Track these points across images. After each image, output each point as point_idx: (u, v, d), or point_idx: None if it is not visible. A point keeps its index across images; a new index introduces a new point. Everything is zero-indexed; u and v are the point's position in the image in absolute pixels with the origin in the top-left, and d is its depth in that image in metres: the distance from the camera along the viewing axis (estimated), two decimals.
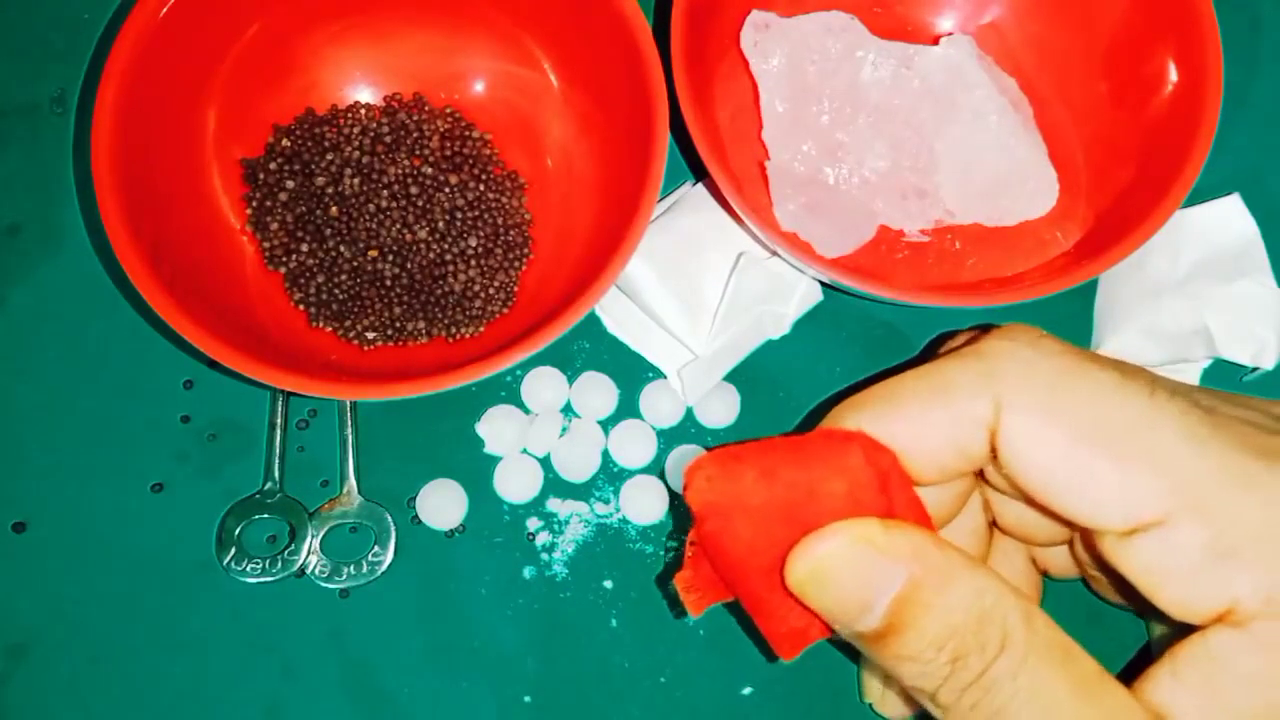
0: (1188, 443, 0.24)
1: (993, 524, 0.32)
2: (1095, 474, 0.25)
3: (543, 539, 0.38)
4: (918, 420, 0.26)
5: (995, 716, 0.24)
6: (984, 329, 0.29)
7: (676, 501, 0.38)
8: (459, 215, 0.39)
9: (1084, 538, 0.30)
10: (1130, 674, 0.34)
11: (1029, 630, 0.24)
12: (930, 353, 0.34)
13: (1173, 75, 0.37)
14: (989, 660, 0.23)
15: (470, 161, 0.39)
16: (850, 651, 0.36)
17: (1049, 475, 0.25)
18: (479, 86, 0.41)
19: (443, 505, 0.37)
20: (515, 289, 0.39)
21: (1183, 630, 0.25)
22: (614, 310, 0.40)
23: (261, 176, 0.39)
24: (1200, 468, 0.24)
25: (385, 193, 0.38)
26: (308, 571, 0.37)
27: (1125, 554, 0.25)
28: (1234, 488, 0.24)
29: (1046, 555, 0.33)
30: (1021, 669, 0.23)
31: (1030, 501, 0.27)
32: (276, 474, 0.38)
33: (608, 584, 0.37)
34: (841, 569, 0.24)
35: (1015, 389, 0.25)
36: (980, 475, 0.30)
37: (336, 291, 0.38)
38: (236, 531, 0.37)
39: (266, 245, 0.39)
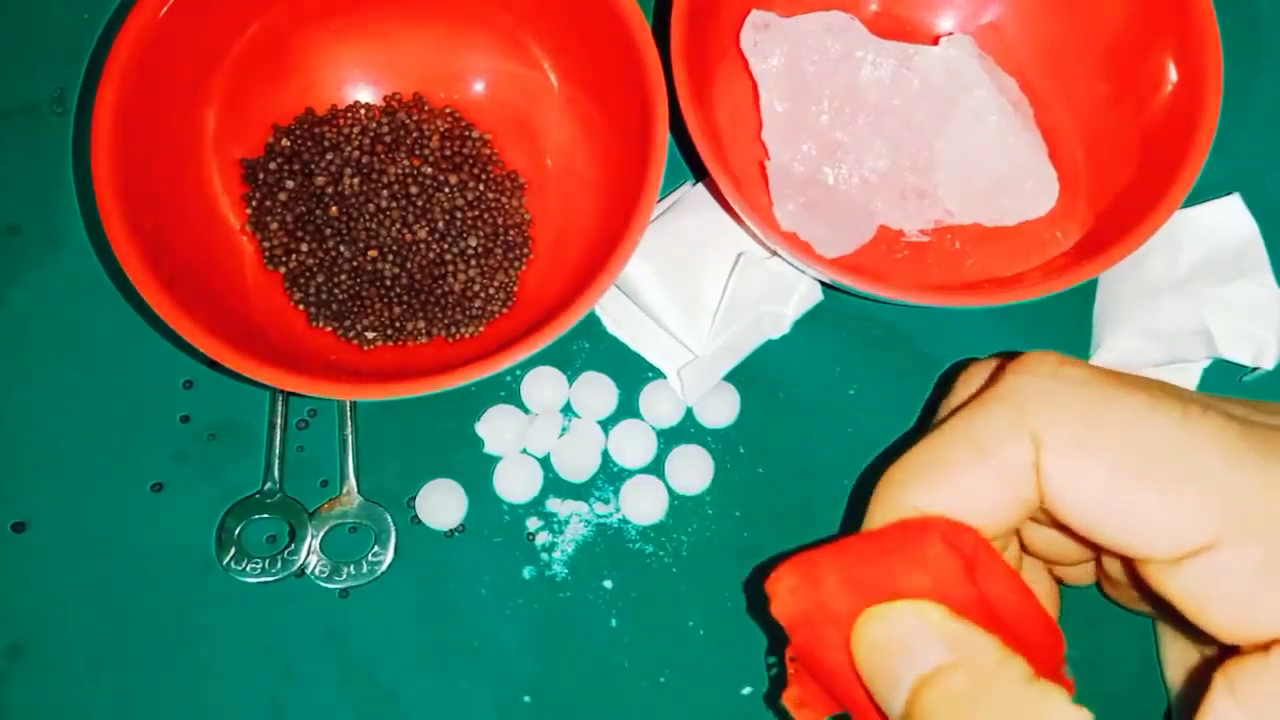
0: (1226, 462, 0.24)
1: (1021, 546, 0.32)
2: (1138, 505, 0.24)
3: (542, 539, 0.38)
4: (967, 486, 0.26)
5: None
6: (1001, 358, 0.29)
7: (676, 502, 0.38)
8: (459, 215, 0.39)
9: (1127, 564, 0.29)
10: (1138, 680, 0.33)
11: None
12: (947, 382, 0.33)
13: (1172, 75, 0.37)
14: None
15: (470, 161, 0.39)
16: None
17: (1092, 510, 0.25)
18: (479, 86, 0.41)
19: (442, 505, 0.37)
20: (515, 289, 0.39)
21: (1224, 651, 0.24)
22: (614, 310, 0.40)
23: (261, 176, 0.39)
24: (1242, 486, 0.23)
25: (385, 192, 0.38)
26: (308, 571, 0.37)
27: (1174, 581, 0.24)
28: (1279, 503, 0.23)
29: (1064, 568, 0.33)
30: None
31: (1073, 535, 0.26)
32: (276, 474, 0.38)
33: (607, 584, 0.37)
34: (885, 636, 0.24)
35: (1045, 426, 0.25)
36: None
37: (336, 291, 0.38)
38: (236, 531, 0.37)
39: (266, 245, 0.39)
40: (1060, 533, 0.29)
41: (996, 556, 0.26)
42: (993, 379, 0.27)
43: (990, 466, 0.25)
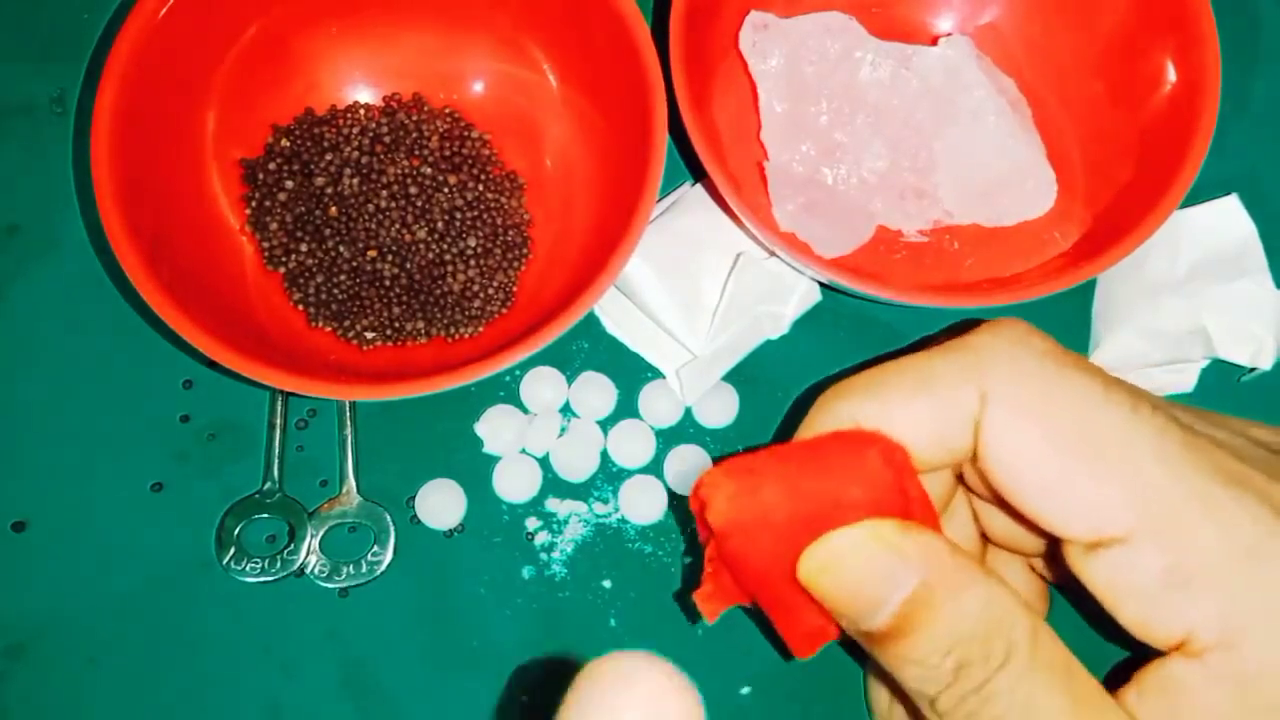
0: (1160, 463, 0.24)
1: (983, 535, 0.32)
2: (1067, 481, 0.25)
3: (542, 539, 0.38)
4: (902, 411, 0.26)
5: None
6: (972, 324, 0.29)
7: (676, 501, 0.38)
8: (458, 215, 0.39)
9: (1051, 546, 0.30)
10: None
11: (1033, 644, 0.24)
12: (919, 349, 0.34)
13: (1171, 75, 0.37)
14: (992, 671, 0.23)
15: (469, 162, 0.39)
16: (856, 654, 0.36)
17: (1022, 476, 0.25)
18: (478, 87, 0.41)
19: (442, 505, 0.37)
20: (514, 289, 0.39)
21: (1146, 650, 0.25)
22: (613, 310, 0.40)
23: (261, 176, 0.39)
24: (1168, 490, 0.24)
25: (384, 193, 0.38)
26: (307, 571, 0.37)
27: (1089, 567, 0.25)
28: (1198, 513, 0.24)
29: (1044, 566, 0.33)
30: (1021, 683, 0.23)
31: (1000, 502, 0.27)
32: (276, 474, 0.38)
33: (606, 584, 0.37)
34: (855, 564, 0.24)
35: (999, 383, 0.26)
36: (963, 482, 0.30)
37: (336, 291, 0.38)
38: (236, 531, 0.37)
39: (266, 245, 0.39)
40: (998, 506, 0.29)
41: (917, 478, 0.26)
42: (959, 333, 0.28)
43: (931, 403, 0.26)
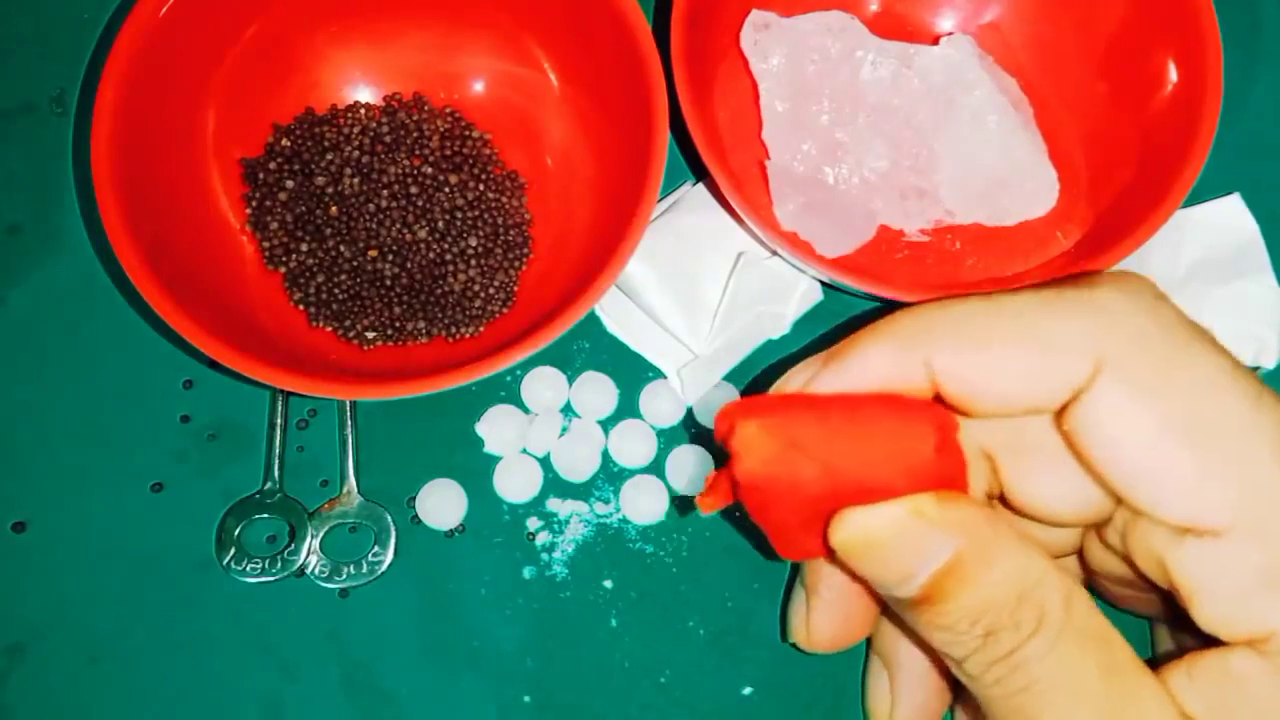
0: (1277, 459, 0.23)
1: None
2: (1175, 465, 0.23)
3: (542, 539, 0.38)
4: (1002, 364, 0.24)
5: (1020, 694, 0.23)
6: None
7: (677, 501, 0.38)
8: (459, 215, 0.39)
9: (1123, 525, 0.29)
10: None
11: (1066, 613, 0.23)
12: None
13: (1173, 75, 0.37)
14: (1023, 639, 0.23)
15: (470, 161, 0.39)
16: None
17: (1126, 454, 0.24)
18: (479, 86, 0.41)
19: (442, 505, 0.37)
20: (515, 289, 0.39)
21: (1199, 640, 0.24)
22: (614, 310, 0.40)
23: (261, 176, 0.39)
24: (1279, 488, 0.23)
25: (385, 192, 0.38)
26: (307, 571, 0.37)
27: (1174, 555, 0.24)
28: None
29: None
30: (1052, 650, 0.23)
31: (1081, 460, 0.25)
32: (276, 474, 0.38)
33: (607, 584, 0.37)
34: (888, 540, 0.24)
35: (1123, 358, 0.24)
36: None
37: (336, 291, 0.38)
38: (236, 531, 0.37)
39: (266, 245, 0.39)
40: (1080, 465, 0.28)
41: (959, 446, 0.25)
42: (1072, 280, 0.26)
43: (1036, 361, 0.24)
